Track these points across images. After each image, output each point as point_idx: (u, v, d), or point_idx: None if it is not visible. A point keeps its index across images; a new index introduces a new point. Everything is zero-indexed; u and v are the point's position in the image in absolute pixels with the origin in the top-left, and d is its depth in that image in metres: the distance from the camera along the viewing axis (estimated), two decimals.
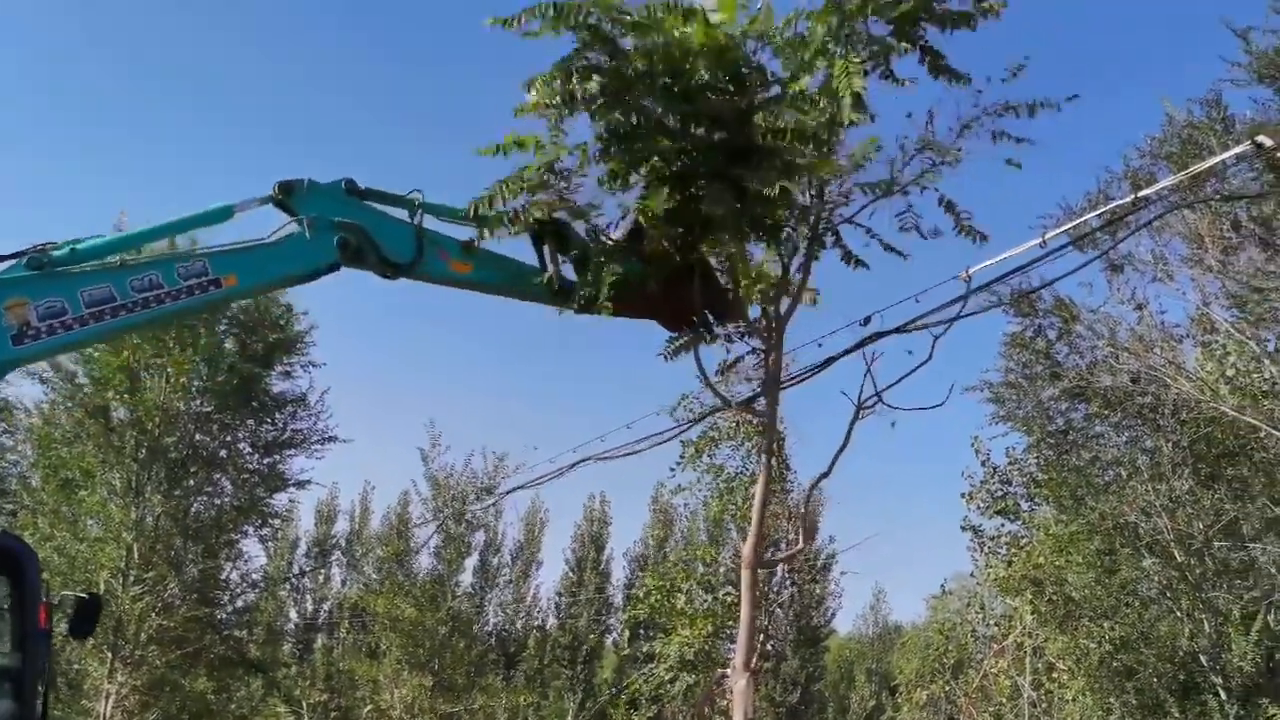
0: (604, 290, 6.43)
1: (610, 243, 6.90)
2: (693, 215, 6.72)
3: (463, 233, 6.69)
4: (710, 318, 7.48)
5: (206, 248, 5.79)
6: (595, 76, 6.41)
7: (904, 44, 6.92)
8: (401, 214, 6.54)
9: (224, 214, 5.76)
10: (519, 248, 6.93)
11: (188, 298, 5.46)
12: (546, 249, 6.78)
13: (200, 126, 76.13)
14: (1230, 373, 14.89)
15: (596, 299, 6.48)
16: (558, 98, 6.34)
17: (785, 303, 7.82)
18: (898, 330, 8.62)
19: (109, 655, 19.19)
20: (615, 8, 6.22)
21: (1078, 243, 9.77)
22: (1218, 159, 10.77)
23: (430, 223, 6.57)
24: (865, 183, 7.54)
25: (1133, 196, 10.21)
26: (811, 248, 7.71)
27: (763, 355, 8.00)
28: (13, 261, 5.12)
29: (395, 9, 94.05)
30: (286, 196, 5.99)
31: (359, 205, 6.21)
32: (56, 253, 5.18)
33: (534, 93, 6.39)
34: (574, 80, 6.32)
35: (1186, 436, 16.92)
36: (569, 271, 7.05)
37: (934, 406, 8.40)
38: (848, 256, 7.82)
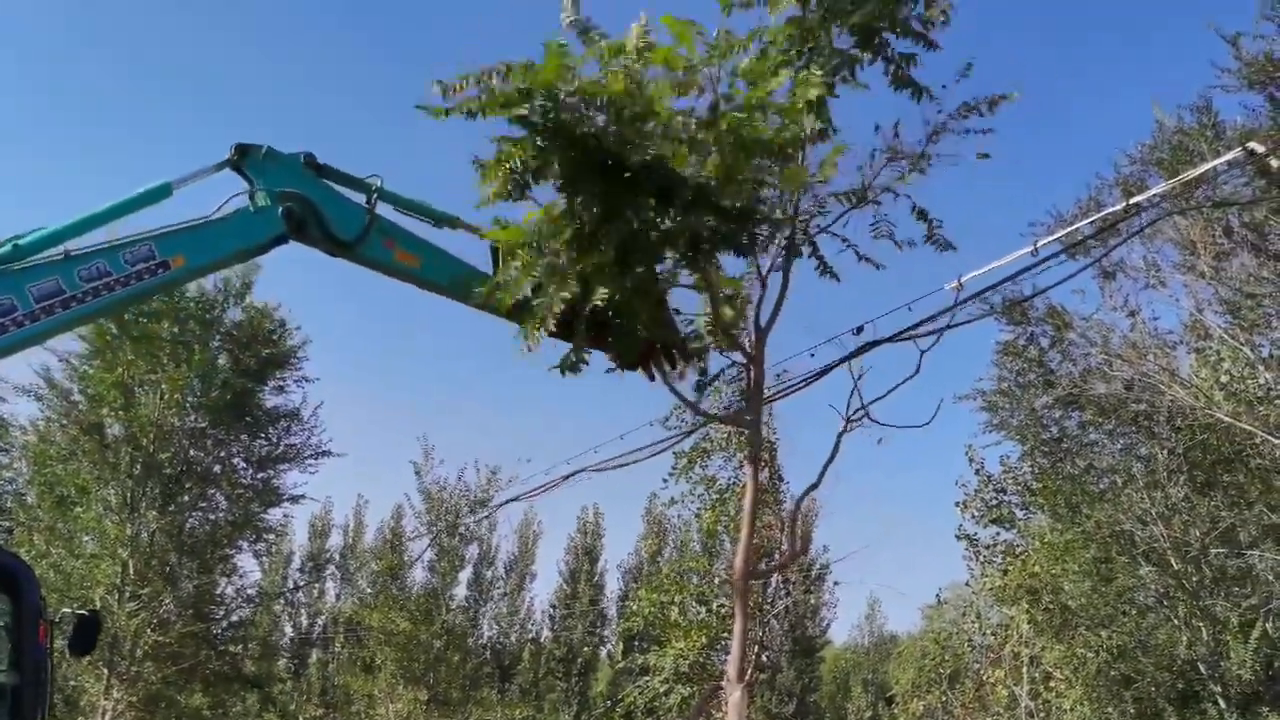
0: (553, 311, 6.09)
1: (564, 264, 6.47)
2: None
3: (421, 228, 6.57)
4: (656, 362, 7.24)
5: (151, 230, 5.68)
6: (543, 148, 6.11)
7: (867, 54, 6.88)
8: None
9: (163, 191, 5.68)
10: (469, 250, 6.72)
11: (137, 282, 5.42)
12: (502, 259, 6.55)
13: (200, 126, 76.08)
14: (1225, 379, 14.93)
15: (544, 320, 6.15)
16: (509, 184, 6.14)
17: (760, 316, 7.79)
18: (890, 340, 8.66)
19: (105, 671, 19.11)
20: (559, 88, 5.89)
21: (1070, 250, 9.86)
22: (1209, 165, 10.83)
23: (389, 213, 6.46)
24: (837, 192, 7.53)
25: (1124, 204, 10.27)
26: (788, 259, 7.71)
27: (745, 368, 7.99)
28: None
29: (397, 9, 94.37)
30: (242, 159, 5.94)
31: (313, 180, 6.13)
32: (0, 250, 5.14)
33: (486, 183, 6.14)
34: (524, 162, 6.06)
35: (1182, 443, 16.94)
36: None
37: (921, 425, 8.38)
38: (823, 267, 7.78)
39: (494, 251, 6.65)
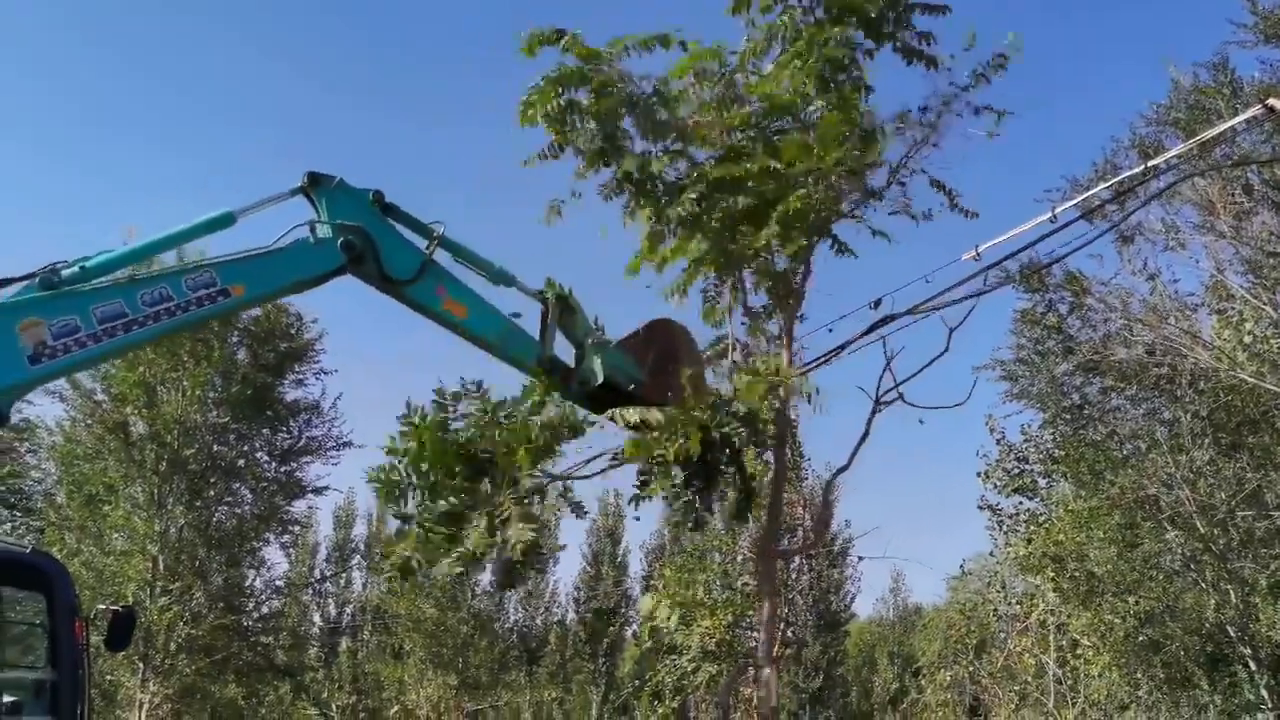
0: (597, 375, 6.60)
1: (611, 340, 6.97)
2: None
3: (476, 281, 6.67)
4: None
5: (214, 257, 5.81)
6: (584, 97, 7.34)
7: (879, 42, 7.63)
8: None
9: (226, 220, 5.76)
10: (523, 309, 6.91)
11: (197, 309, 5.49)
12: (549, 320, 6.72)
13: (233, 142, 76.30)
14: (1247, 339, 14.74)
15: (587, 384, 6.61)
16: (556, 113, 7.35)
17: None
18: (909, 313, 8.60)
19: (140, 665, 19.41)
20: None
21: (1087, 215, 9.72)
22: (1227, 124, 10.68)
23: (447, 262, 6.52)
24: (871, 187, 8.05)
25: (1142, 166, 10.14)
26: (810, 247, 8.03)
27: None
28: (25, 283, 5.16)
29: (403, 10, 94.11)
30: (312, 187, 6.04)
31: (378, 216, 6.22)
32: (66, 271, 5.23)
33: (532, 112, 7.39)
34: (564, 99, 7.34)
35: (1205, 406, 16.78)
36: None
37: (955, 405, 8.40)
38: (839, 247, 8.20)
39: (543, 314, 6.73)
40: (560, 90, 7.38)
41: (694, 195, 7.58)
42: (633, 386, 6.76)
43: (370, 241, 6.06)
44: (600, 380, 6.55)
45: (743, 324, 8.58)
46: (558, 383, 6.64)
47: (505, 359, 6.58)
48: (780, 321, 8.38)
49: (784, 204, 7.39)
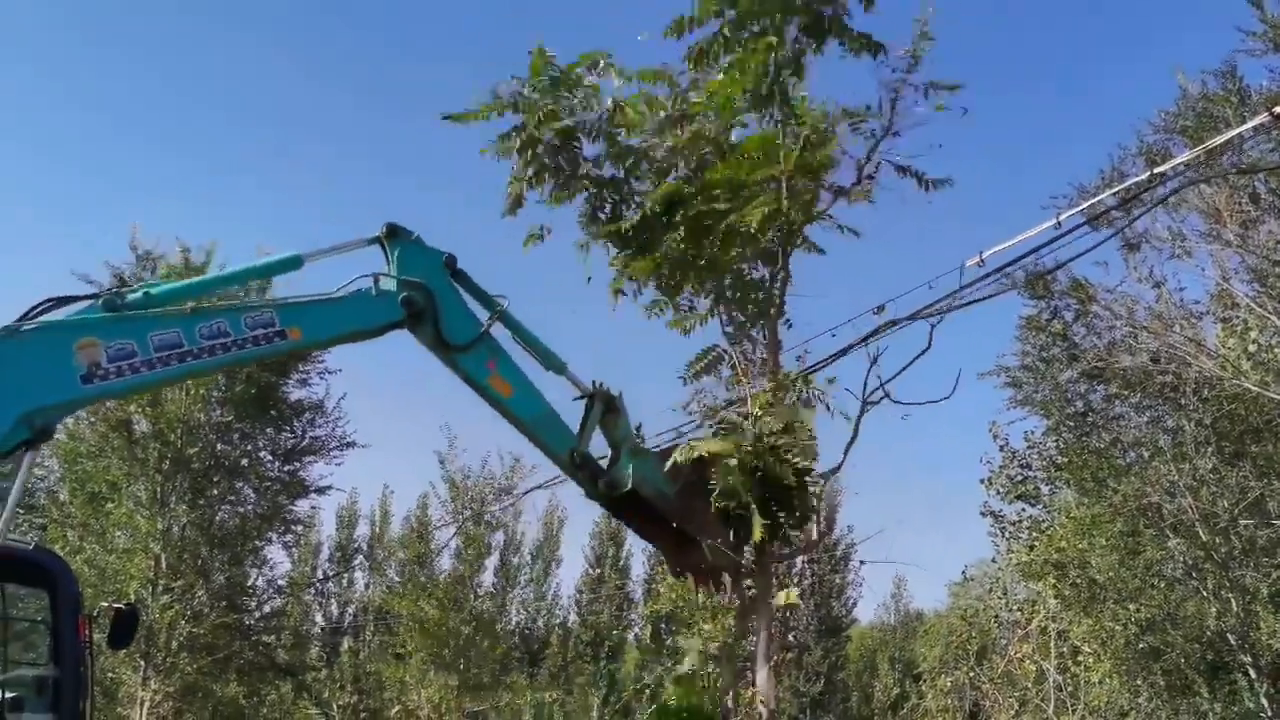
0: (626, 481, 6.54)
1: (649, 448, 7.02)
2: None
3: (529, 364, 6.74)
4: (711, 577, 7.36)
5: (276, 299, 5.86)
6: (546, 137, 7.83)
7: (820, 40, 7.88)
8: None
9: (294, 263, 5.83)
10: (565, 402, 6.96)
11: (253, 347, 5.49)
12: (590, 417, 6.71)
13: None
14: (1252, 348, 14.72)
15: (615, 487, 6.54)
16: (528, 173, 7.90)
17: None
18: (911, 319, 8.62)
19: (142, 663, 19.44)
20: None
21: (1093, 222, 9.73)
22: (1235, 132, 10.67)
23: (504, 338, 6.59)
24: (836, 185, 8.23)
25: (1149, 173, 10.14)
26: (788, 250, 8.13)
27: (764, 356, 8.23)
28: (90, 302, 5.21)
29: (414, 11, 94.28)
30: (389, 238, 6.06)
31: (445, 279, 6.24)
32: (131, 295, 5.28)
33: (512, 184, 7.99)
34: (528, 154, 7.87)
35: (1209, 414, 16.74)
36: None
37: (940, 400, 8.39)
38: (809, 247, 8.42)
39: (586, 409, 6.74)
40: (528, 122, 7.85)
41: (643, 213, 7.83)
42: (660, 501, 6.68)
43: (432, 301, 6.05)
44: (628, 487, 6.48)
45: (726, 333, 8.62)
46: (585, 480, 6.61)
47: (538, 444, 6.59)
48: (763, 330, 8.43)
49: (738, 215, 7.43)
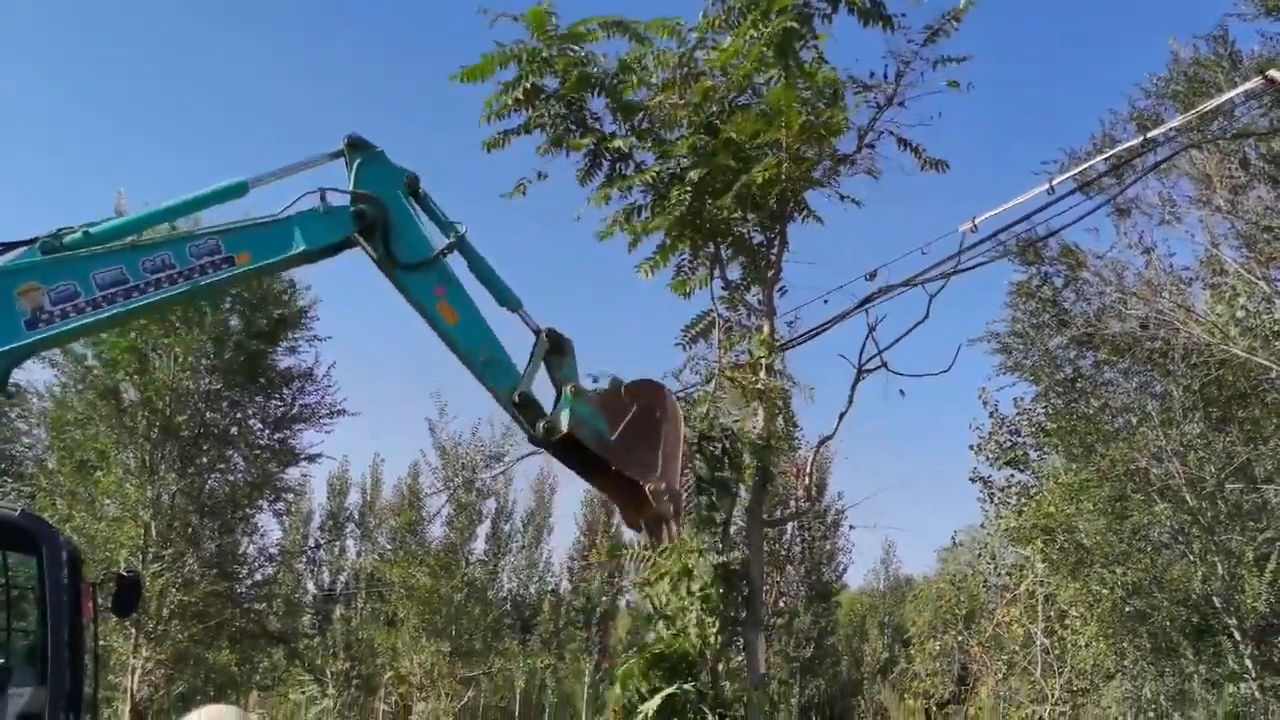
0: (561, 425, 6.19)
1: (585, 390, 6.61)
2: None
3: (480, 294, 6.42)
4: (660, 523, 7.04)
5: (219, 225, 5.64)
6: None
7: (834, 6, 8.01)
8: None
9: (239, 189, 5.54)
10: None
11: (200, 276, 5.31)
12: (534, 355, 6.38)
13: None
14: (1240, 314, 14.75)
15: (552, 431, 6.19)
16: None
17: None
18: (905, 285, 8.59)
19: (133, 631, 19.46)
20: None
21: (1084, 188, 9.69)
22: (1226, 96, 10.58)
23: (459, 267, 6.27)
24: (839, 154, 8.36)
25: (1140, 139, 10.09)
26: (785, 214, 8.12)
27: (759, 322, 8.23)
28: (27, 247, 5.06)
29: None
30: (350, 151, 5.85)
31: (403, 196, 5.97)
32: (69, 237, 5.11)
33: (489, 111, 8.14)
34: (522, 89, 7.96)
35: (1197, 380, 16.82)
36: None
37: (938, 373, 8.41)
38: (808, 214, 8.52)
39: (534, 349, 6.41)
40: (527, 73, 7.94)
41: (656, 170, 7.72)
42: (597, 444, 6.38)
43: (384, 214, 5.82)
44: (564, 430, 6.17)
45: (720, 296, 8.61)
46: (526, 422, 6.33)
47: (480, 380, 6.27)
48: (759, 294, 8.43)
49: (748, 176, 7.45)
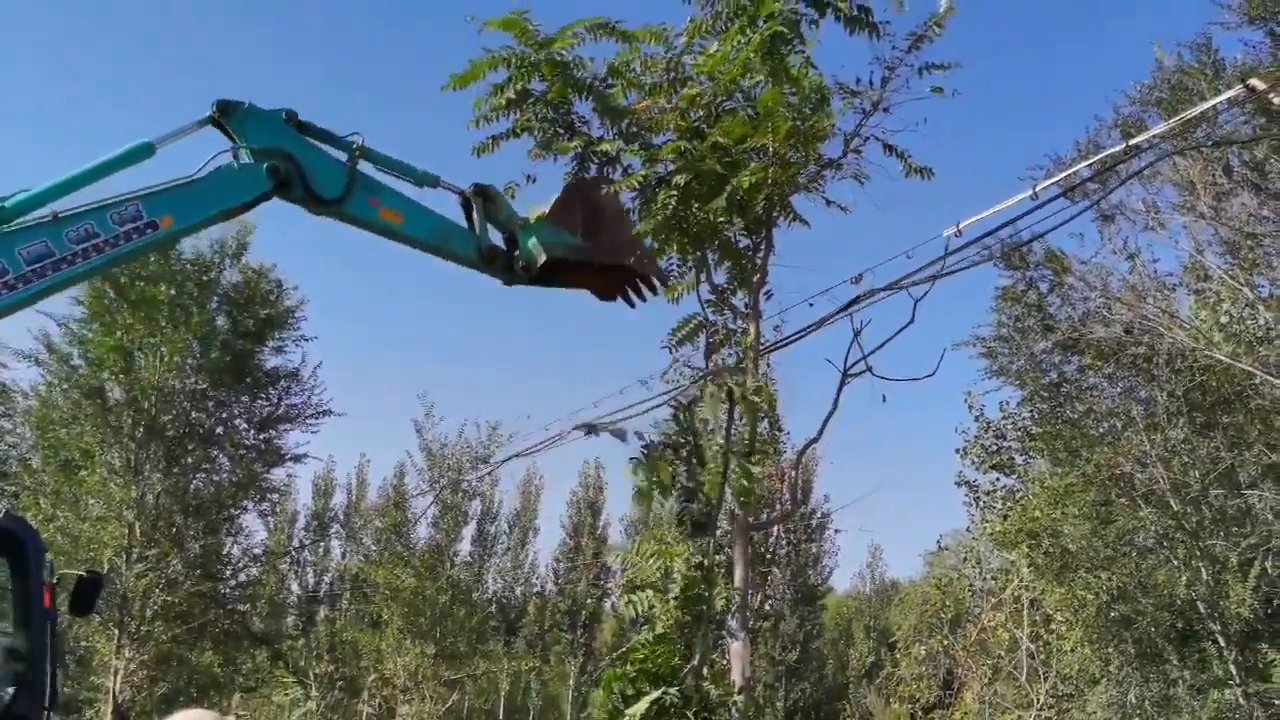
0: (540, 254, 6.48)
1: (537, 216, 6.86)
2: None
3: (401, 186, 6.57)
4: (644, 282, 7.26)
5: (137, 190, 5.64)
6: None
7: (821, 12, 8.04)
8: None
9: (145, 151, 5.56)
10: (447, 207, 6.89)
11: (126, 243, 5.35)
12: (475, 214, 6.63)
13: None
14: (1224, 320, 14.87)
15: (532, 265, 6.48)
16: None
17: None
18: (889, 289, 8.62)
19: (116, 632, 19.35)
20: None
21: (1068, 193, 9.75)
22: (1209, 104, 10.68)
23: (371, 171, 6.38)
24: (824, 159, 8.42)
25: (1124, 145, 10.16)
26: (771, 218, 8.14)
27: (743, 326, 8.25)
28: None
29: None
30: (224, 116, 5.86)
31: (295, 136, 6.07)
32: None
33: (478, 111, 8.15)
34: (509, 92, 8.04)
35: (1181, 385, 16.91)
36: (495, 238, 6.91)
37: (923, 378, 8.43)
38: (794, 218, 8.55)
39: (466, 208, 6.66)
40: (516, 76, 7.97)
41: (643, 174, 7.77)
42: (578, 253, 6.67)
43: (294, 163, 5.93)
44: (545, 258, 6.44)
45: (708, 300, 8.62)
46: (501, 269, 6.56)
47: (447, 257, 6.53)
48: (746, 298, 8.45)
49: (735, 181, 7.48)
